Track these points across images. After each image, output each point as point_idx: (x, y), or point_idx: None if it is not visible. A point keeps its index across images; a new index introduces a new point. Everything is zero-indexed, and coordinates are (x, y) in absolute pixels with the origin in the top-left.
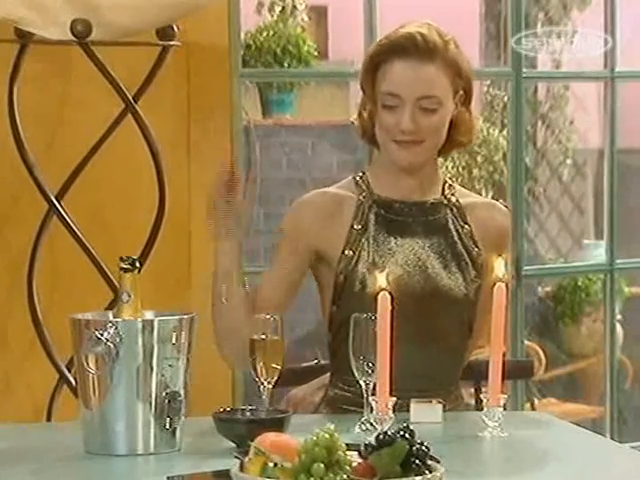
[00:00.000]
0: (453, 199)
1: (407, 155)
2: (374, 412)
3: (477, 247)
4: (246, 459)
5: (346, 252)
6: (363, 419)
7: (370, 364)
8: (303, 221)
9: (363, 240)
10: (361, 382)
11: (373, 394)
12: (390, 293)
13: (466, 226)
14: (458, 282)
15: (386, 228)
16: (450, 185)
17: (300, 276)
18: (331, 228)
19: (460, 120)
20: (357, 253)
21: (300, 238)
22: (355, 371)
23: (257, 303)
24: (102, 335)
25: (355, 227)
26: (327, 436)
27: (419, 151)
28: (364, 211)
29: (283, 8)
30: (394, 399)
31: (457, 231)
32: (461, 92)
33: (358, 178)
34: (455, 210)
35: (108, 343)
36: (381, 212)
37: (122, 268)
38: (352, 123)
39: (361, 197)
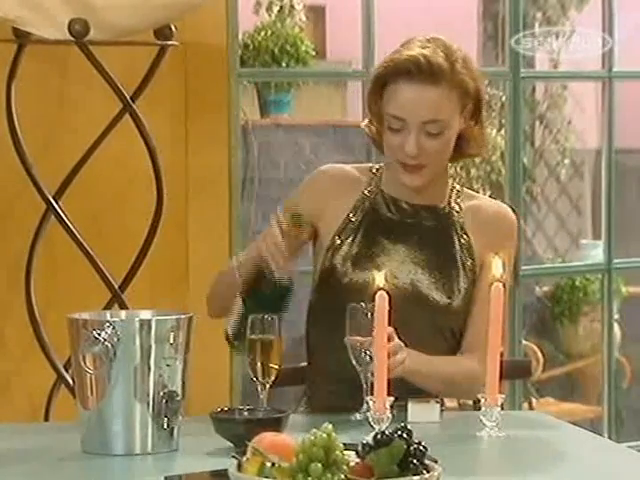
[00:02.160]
0: (456, 207)
1: (412, 179)
2: (371, 412)
3: (472, 259)
4: (244, 459)
5: (336, 240)
6: (363, 410)
7: (368, 351)
8: (317, 189)
9: (355, 233)
10: (359, 370)
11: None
12: (388, 292)
13: (464, 236)
14: (442, 291)
15: (382, 226)
16: (457, 191)
17: (294, 247)
18: (333, 205)
19: (469, 134)
20: (346, 244)
21: (310, 202)
22: (353, 361)
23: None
24: (100, 335)
25: (351, 218)
26: (325, 436)
27: (423, 174)
28: (364, 205)
29: (281, 8)
30: (392, 398)
31: (454, 241)
32: (470, 106)
33: (375, 170)
34: (456, 218)
35: (106, 343)
36: (381, 209)
37: None
38: (360, 126)
39: (366, 191)
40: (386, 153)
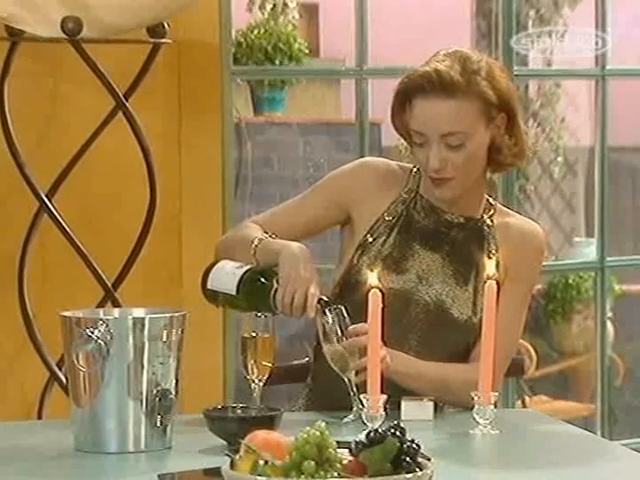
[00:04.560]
0: (488, 221)
1: (441, 192)
2: (365, 410)
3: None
4: (237, 457)
5: (368, 238)
6: (353, 412)
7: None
8: (360, 178)
9: (388, 234)
10: (343, 374)
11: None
12: (381, 291)
13: (493, 252)
14: (465, 306)
15: (415, 231)
16: (492, 206)
17: (319, 223)
18: (371, 200)
19: (500, 144)
20: (375, 244)
21: (349, 189)
22: (334, 368)
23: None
24: (93, 333)
25: (386, 218)
26: (318, 434)
27: (452, 186)
28: (401, 206)
29: (274, 6)
30: (385, 396)
31: (483, 256)
32: (502, 115)
33: (415, 171)
34: (487, 233)
35: (99, 341)
36: (417, 214)
37: None
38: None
39: (403, 192)
40: (419, 167)
